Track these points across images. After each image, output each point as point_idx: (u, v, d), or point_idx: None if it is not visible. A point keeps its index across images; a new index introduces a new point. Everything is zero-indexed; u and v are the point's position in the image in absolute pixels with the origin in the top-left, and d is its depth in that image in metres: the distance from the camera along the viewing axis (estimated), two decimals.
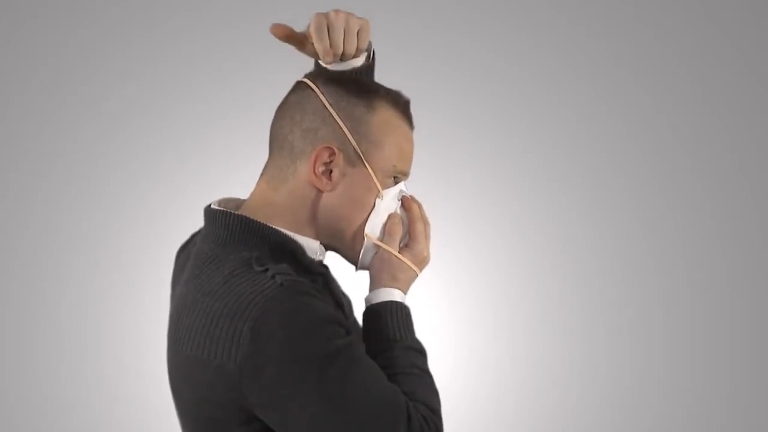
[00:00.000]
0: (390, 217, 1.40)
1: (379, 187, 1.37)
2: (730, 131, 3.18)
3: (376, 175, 1.36)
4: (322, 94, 1.35)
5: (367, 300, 1.40)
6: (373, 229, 1.39)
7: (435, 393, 1.35)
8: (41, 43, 3.02)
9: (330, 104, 1.35)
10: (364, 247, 1.39)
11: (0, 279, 3.02)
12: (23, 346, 3.02)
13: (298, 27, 1.40)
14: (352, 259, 1.42)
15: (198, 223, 1.45)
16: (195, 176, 2.99)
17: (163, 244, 2.99)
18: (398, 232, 1.41)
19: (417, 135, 1.45)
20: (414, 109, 1.44)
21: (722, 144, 3.18)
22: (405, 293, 1.41)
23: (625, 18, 3.16)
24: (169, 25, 3.05)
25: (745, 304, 3.16)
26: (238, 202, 1.43)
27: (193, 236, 1.53)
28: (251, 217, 1.35)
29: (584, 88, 3.17)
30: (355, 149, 1.35)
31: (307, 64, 1.47)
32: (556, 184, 3.18)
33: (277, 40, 1.39)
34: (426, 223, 1.44)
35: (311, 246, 1.38)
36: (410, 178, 1.46)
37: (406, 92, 1.43)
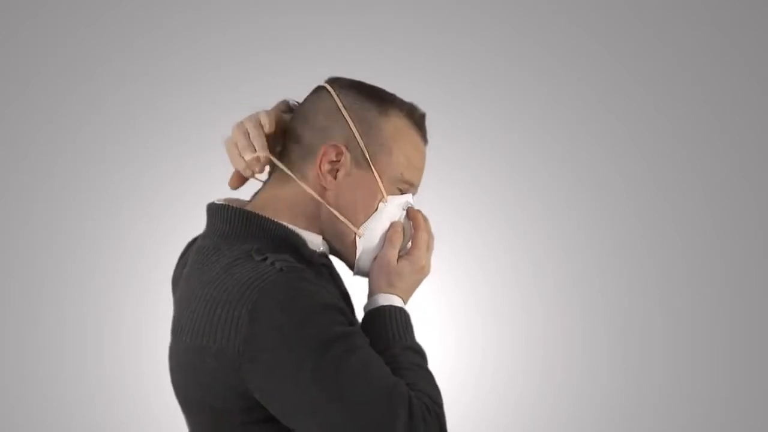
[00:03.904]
0: (392, 225, 1.40)
1: (384, 192, 1.36)
2: (730, 131, 3.18)
3: (381, 180, 1.36)
4: (338, 96, 1.37)
5: (365, 307, 1.40)
6: (372, 232, 1.38)
7: (436, 388, 1.34)
8: (41, 43, 3.02)
9: (344, 106, 1.36)
10: (358, 246, 1.38)
11: (0, 279, 3.02)
12: (23, 346, 3.02)
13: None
14: (350, 261, 1.41)
15: (198, 223, 1.45)
16: (195, 176, 2.99)
17: (163, 244, 3.00)
18: (399, 240, 1.40)
19: None
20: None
21: (722, 144, 3.17)
22: (405, 301, 1.40)
23: (625, 18, 3.16)
24: (169, 25, 3.05)
25: (745, 304, 3.15)
26: (242, 202, 1.43)
27: (195, 239, 1.53)
28: (253, 211, 1.36)
29: (584, 88, 3.16)
30: (362, 151, 1.35)
31: (313, 71, 1.48)
32: (556, 184, 3.17)
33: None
34: (430, 236, 1.43)
35: (313, 240, 1.37)
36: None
37: (406, 91, 1.43)
